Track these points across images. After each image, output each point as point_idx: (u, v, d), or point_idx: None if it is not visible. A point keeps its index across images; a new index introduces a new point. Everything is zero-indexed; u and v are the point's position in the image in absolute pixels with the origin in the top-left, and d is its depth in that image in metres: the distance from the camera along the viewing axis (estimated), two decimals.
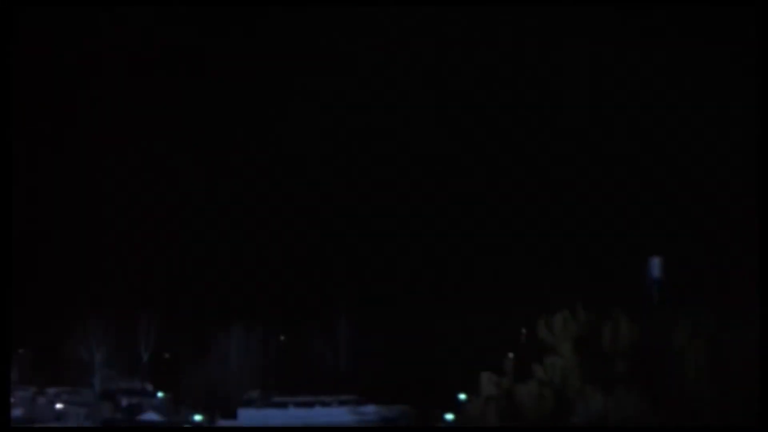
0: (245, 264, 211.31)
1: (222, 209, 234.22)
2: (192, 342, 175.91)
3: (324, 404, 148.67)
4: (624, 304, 67.88)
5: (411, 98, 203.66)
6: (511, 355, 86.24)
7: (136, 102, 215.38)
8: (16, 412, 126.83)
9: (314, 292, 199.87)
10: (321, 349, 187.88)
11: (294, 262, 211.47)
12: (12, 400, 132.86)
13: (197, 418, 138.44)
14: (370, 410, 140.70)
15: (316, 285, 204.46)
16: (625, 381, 58.61)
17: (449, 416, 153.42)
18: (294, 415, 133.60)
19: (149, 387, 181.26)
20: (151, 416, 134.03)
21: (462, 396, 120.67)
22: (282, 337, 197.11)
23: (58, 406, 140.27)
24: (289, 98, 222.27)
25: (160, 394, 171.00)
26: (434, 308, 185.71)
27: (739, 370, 47.60)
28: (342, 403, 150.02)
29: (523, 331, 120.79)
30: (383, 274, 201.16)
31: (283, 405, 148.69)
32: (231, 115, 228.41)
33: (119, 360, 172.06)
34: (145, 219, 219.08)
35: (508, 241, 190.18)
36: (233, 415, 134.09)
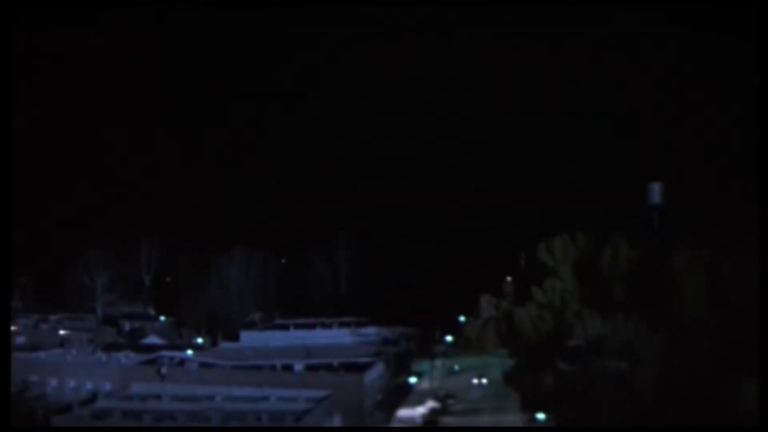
0: (245, 187, 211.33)
1: (221, 133, 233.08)
2: (193, 266, 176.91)
3: (325, 326, 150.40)
4: (624, 229, 67.63)
5: None
6: (509, 278, 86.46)
7: None
8: (20, 339, 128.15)
9: (315, 214, 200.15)
10: (322, 272, 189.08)
11: (294, 185, 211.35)
12: (15, 328, 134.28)
13: (199, 340, 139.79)
14: (371, 331, 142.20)
15: (316, 208, 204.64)
16: (624, 305, 58.78)
17: (449, 337, 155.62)
18: (295, 337, 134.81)
19: (151, 311, 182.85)
20: (153, 340, 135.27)
21: (462, 318, 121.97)
22: (283, 260, 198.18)
23: (61, 332, 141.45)
24: None
25: (162, 318, 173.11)
26: (435, 232, 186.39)
27: (738, 296, 47.72)
28: (343, 324, 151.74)
29: (523, 254, 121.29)
30: (384, 198, 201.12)
31: (285, 327, 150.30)
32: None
33: (121, 285, 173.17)
34: (146, 145, 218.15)
35: (510, 166, 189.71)
36: (235, 338, 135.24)
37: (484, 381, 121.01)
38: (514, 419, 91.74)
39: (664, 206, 73.18)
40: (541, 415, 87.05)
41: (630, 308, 55.50)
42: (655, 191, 74.78)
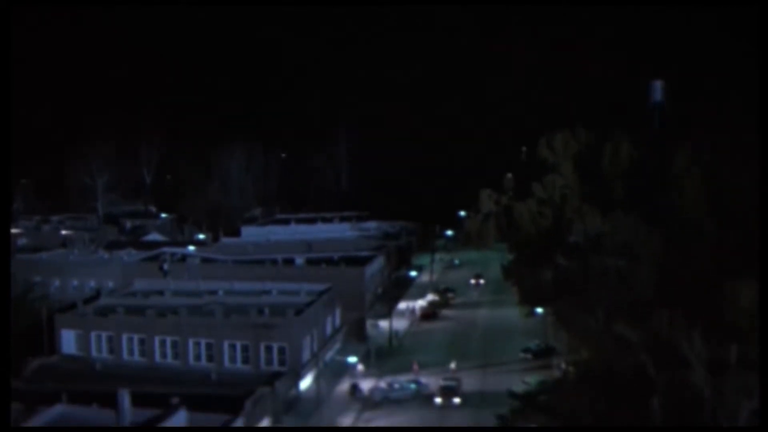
0: (245, 81, 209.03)
1: (220, 27, 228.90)
2: (194, 163, 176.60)
3: (325, 220, 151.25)
4: (625, 127, 66.58)
5: None
6: (509, 175, 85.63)
7: None
8: (22, 241, 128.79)
9: (315, 105, 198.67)
10: (322, 166, 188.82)
11: (293, 79, 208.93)
12: (18, 230, 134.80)
13: (201, 236, 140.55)
14: (371, 226, 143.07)
15: (317, 98, 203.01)
16: (624, 203, 58.31)
17: (449, 232, 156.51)
18: (296, 231, 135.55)
19: (152, 209, 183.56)
20: (155, 237, 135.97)
21: (462, 213, 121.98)
22: (283, 155, 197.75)
23: (63, 232, 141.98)
24: None
25: (163, 215, 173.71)
26: (436, 127, 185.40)
27: (737, 197, 47.35)
28: (343, 219, 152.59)
29: (524, 149, 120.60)
30: (385, 93, 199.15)
31: (285, 221, 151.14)
32: None
33: (122, 184, 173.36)
34: (145, 41, 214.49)
35: (512, 62, 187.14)
36: (236, 233, 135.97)
37: (482, 281, 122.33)
38: (512, 313, 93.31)
39: (666, 105, 72.17)
40: (539, 309, 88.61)
41: (629, 206, 55.16)
42: (657, 89, 73.59)
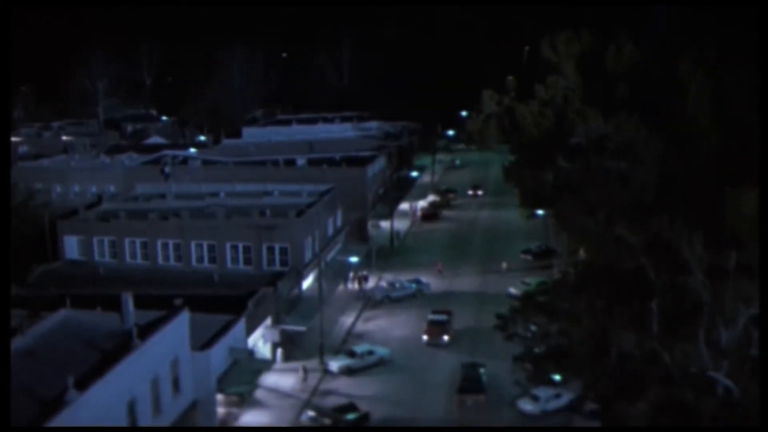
0: None
1: None
2: (194, 64, 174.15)
3: (327, 120, 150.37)
4: (630, 28, 64.99)
5: None
6: (510, 77, 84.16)
7: None
8: (23, 148, 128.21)
9: (316, 5, 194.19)
10: (324, 66, 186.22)
11: None
12: (18, 138, 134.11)
13: (202, 138, 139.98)
14: (373, 126, 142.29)
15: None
16: (626, 105, 57.43)
17: (450, 132, 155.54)
18: (297, 132, 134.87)
19: (153, 112, 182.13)
20: (156, 140, 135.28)
21: (463, 113, 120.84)
22: (284, 55, 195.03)
23: (64, 138, 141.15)
24: None
25: (164, 118, 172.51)
26: (438, 25, 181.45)
27: (740, 104, 46.59)
28: (345, 119, 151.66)
29: (527, 49, 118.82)
30: None
31: (287, 122, 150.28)
32: None
33: (122, 88, 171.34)
34: None
35: None
36: (238, 134, 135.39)
37: (480, 192, 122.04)
38: (513, 214, 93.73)
39: (672, 7, 70.48)
40: (540, 211, 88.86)
41: (632, 108, 54.42)
42: None
